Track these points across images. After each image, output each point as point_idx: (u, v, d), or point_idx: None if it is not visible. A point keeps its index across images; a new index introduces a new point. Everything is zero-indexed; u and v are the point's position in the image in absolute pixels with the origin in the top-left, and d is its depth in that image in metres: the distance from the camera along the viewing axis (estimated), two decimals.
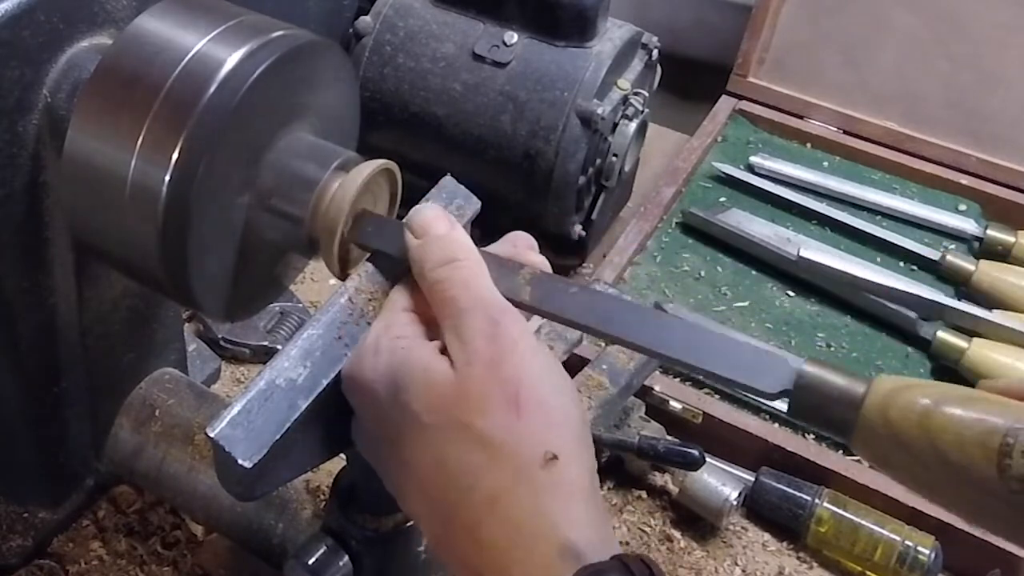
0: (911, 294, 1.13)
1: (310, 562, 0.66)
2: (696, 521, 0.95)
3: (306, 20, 1.14)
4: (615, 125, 1.15)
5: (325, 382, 0.54)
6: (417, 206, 0.59)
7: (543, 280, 0.55)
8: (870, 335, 1.15)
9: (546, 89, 1.10)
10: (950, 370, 1.10)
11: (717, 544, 0.95)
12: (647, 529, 0.95)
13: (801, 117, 1.41)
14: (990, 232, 1.25)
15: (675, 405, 0.98)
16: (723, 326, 1.13)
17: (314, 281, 1.15)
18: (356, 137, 0.69)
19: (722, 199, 1.31)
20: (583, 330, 0.57)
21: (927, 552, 0.89)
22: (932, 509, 0.92)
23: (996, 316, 1.12)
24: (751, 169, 1.34)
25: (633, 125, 1.15)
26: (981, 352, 1.08)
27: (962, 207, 1.32)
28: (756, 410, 1.04)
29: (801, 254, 1.15)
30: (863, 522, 0.92)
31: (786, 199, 1.29)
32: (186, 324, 0.96)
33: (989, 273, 1.19)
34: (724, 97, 1.44)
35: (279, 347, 1.02)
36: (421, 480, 0.50)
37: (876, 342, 1.14)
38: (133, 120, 0.57)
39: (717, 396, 1.04)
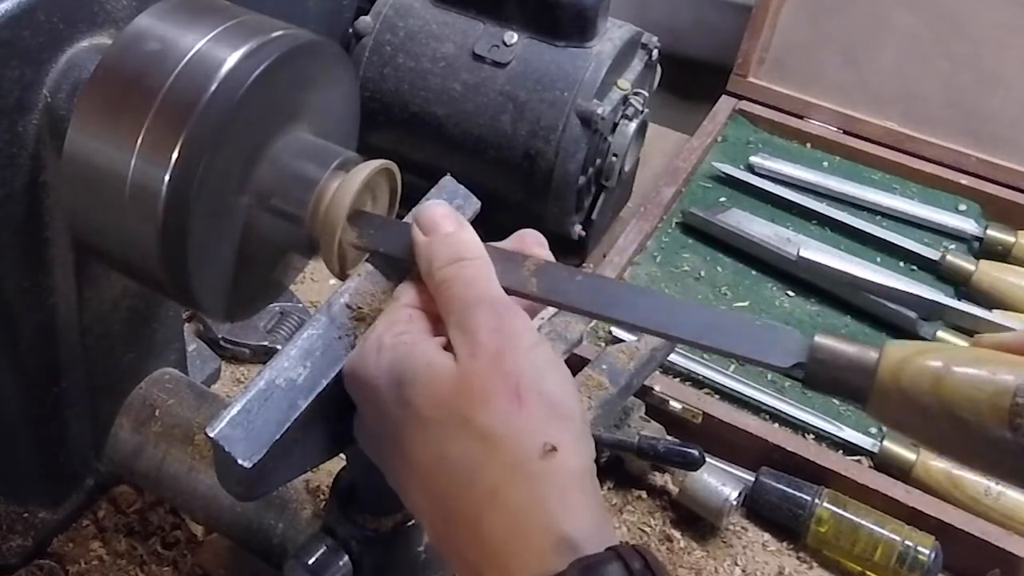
0: (911, 294, 1.13)
1: (310, 562, 0.66)
2: (696, 521, 0.95)
3: (306, 20, 1.14)
4: (615, 125, 1.15)
5: (325, 382, 0.54)
6: (424, 203, 0.59)
7: (549, 270, 0.56)
8: (870, 335, 1.15)
9: (546, 89, 1.10)
10: None
11: (717, 544, 0.95)
12: (647, 529, 0.95)
13: (801, 117, 1.41)
14: (990, 232, 1.25)
15: (675, 405, 0.98)
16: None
17: (314, 281, 1.15)
18: (356, 137, 0.69)
19: (722, 199, 1.31)
20: (593, 317, 0.57)
21: (927, 552, 0.89)
22: (932, 509, 0.93)
23: (996, 316, 1.12)
24: (751, 169, 1.34)
25: (633, 125, 1.15)
26: None
27: (962, 207, 1.32)
28: (756, 410, 1.04)
29: (801, 254, 1.15)
30: (863, 522, 0.92)
31: (786, 199, 1.29)
32: (186, 324, 0.96)
33: (989, 273, 1.19)
34: (724, 97, 1.44)
35: (279, 347, 1.02)
36: (422, 475, 0.50)
37: (876, 342, 1.14)
38: (133, 120, 0.57)
39: (717, 396, 1.04)
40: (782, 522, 0.95)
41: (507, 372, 0.49)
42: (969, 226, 1.28)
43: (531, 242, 0.58)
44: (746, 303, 1.18)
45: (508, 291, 0.54)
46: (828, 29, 1.39)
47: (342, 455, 0.61)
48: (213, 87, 0.56)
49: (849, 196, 1.31)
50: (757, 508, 0.96)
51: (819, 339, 0.51)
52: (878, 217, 1.30)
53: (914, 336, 1.14)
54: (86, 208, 0.61)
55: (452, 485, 0.49)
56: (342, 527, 0.66)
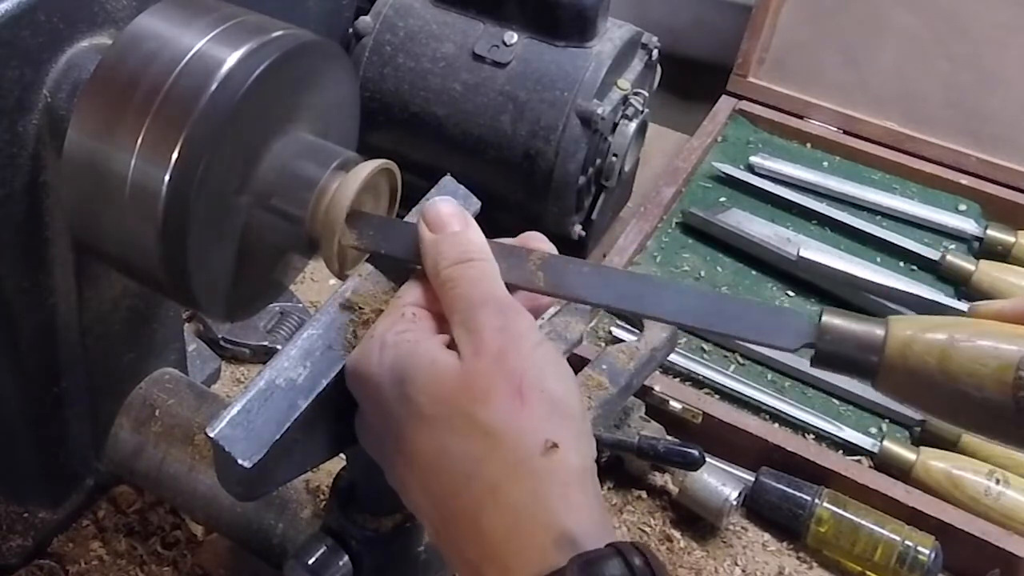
0: (911, 294, 1.13)
1: (310, 562, 0.66)
2: (696, 521, 0.95)
3: (306, 20, 1.14)
4: (615, 125, 1.15)
5: (325, 382, 0.54)
6: (432, 199, 0.59)
7: (554, 263, 0.56)
8: None
9: (546, 89, 1.10)
10: None
11: (717, 544, 0.95)
12: (647, 529, 0.95)
13: (801, 117, 1.41)
14: (990, 232, 1.25)
15: (675, 405, 0.98)
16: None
17: (314, 281, 1.15)
18: (356, 137, 0.69)
19: (722, 199, 1.31)
20: (600, 307, 0.58)
21: (927, 552, 0.89)
22: (932, 509, 0.93)
23: None
24: (751, 169, 1.33)
25: (633, 125, 1.15)
26: None
27: (962, 207, 1.32)
28: (756, 410, 1.04)
29: (801, 254, 1.15)
30: (863, 522, 0.92)
31: (786, 199, 1.29)
32: (186, 324, 0.96)
33: (989, 273, 1.19)
34: (724, 97, 1.44)
35: (279, 347, 1.02)
36: (423, 472, 0.51)
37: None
38: (133, 120, 0.57)
39: (717, 396, 1.04)
40: (782, 522, 0.95)
41: (510, 370, 0.49)
42: (969, 226, 1.28)
43: (536, 245, 0.59)
44: None
45: (515, 286, 0.54)
46: (828, 29, 1.39)
47: (342, 455, 0.61)
48: (213, 87, 0.56)
49: (849, 196, 1.31)
50: (757, 508, 0.96)
51: (826, 319, 0.52)
52: (878, 217, 1.30)
53: None
54: (86, 208, 0.61)
55: (453, 482, 0.49)
56: (342, 527, 0.66)
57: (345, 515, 0.66)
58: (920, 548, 0.89)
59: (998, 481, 0.96)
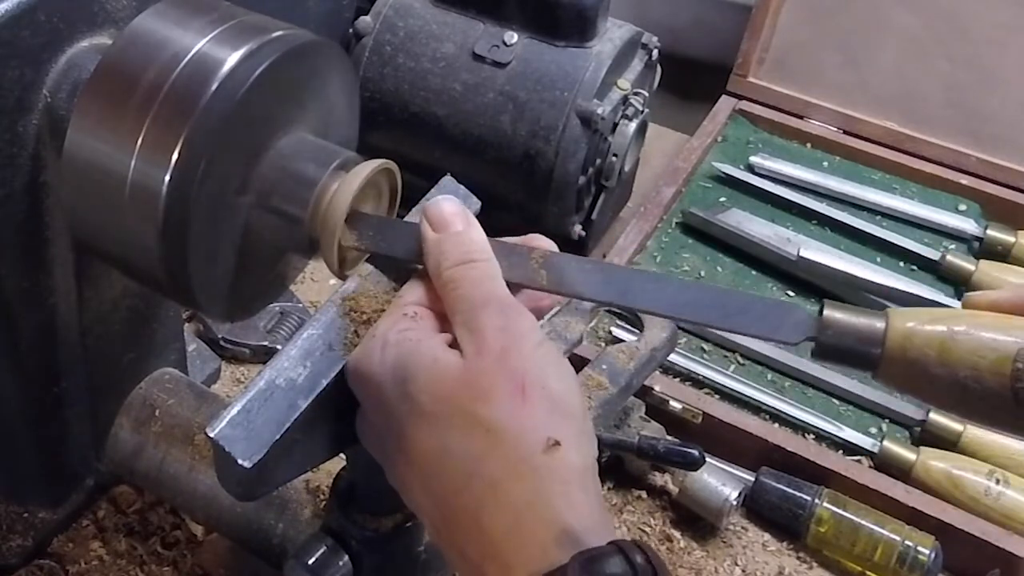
0: (911, 294, 1.13)
1: (310, 562, 0.66)
2: (696, 521, 0.95)
3: (306, 20, 1.14)
4: (615, 125, 1.15)
5: (325, 382, 0.54)
6: (433, 198, 0.59)
7: (556, 261, 0.56)
8: None
9: (546, 89, 1.10)
10: None
11: (717, 544, 0.95)
12: (647, 529, 0.95)
13: (801, 117, 1.41)
14: (990, 232, 1.25)
15: (675, 405, 0.98)
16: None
17: (314, 281, 1.15)
18: (356, 137, 0.69)
19: (722, 199, 1.31)
20: (602, 304, 0.58)
21: (927, 552, 0.89)
22: (932, 509, 0.93)
23: None
24: (751, 169, 1.33)
25: (633, 125, 1.15)
26: None
27: (962, 207, 1.32)
28: (756, 410, 1.04)
29: (801, 254, 1.15)
30: (863, 522, 0.92)
31: (786, 199, 1.29)
32: (186, 324, 0.96)
33: (989, 273, 1.19)
34: (724, 97, 1.44)
35: (279, 347, 1.02)
36: (424, 470, 0.51)
37: None
38: (133, 120, 0.57)
39: (717, 396, 1.04)
40: (782, 522, 0.95)
41: (512, 369, 0.49)
42: (969, 226, 1.28)
43: (539, 245, 0.59)
44: None
45: (518, 285, 0.55)
46: (828, 29, 1.39)
47: (342, 455, 0.61)
48: (213, 87, 0.56)
49: (849, 196, 1.31)
50: (757, 508, 0.96)
51: (828, 313, 0.52)
52: (878, 217, 1.30)
53: None
54: (86, 208, 0.61)
55: (454, 480, 0.49)
56: (342, 527, 0.66)
57: (345, 515, 0.66)
58: (920, 548, 0.89)
59: (998, 481, 0.96)
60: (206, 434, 0.53)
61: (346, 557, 0.66)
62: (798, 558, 0.95)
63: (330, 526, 0.67)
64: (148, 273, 0.61)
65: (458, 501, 0.49)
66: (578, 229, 1.17)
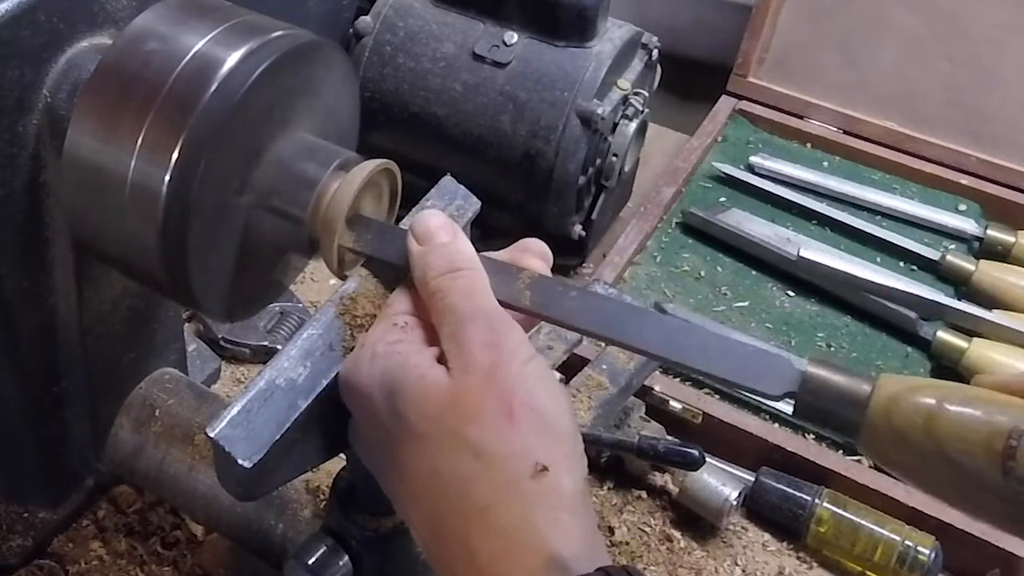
0: (911, 294, 1.13)
1: (310, 562, 0.66)
2: (696, 521, 0.95)
3: (306, 20, 1.14)
4: (615, 125, 1.15)
5: (325, 382, 0.54)
6: (420, 211, 0.58)
7: (543, 284, 0.55)
8: (870, 335, 1.15)
9: (546, 89, 1.10)
10: (950, 370, 1.10)
11: (717, 544, 0.95)
12: (647, 529, 0.95)
13: (801, 117, 1.41)
14: (990, 232, 1.25)
15: (675, 405, 0.98)
16: (723, 326, 1.13)
17: (314, 281, 1.15)
18: (356, 137, 0.69)
19: (722, 199, 1.31)
20: (584, 334, 0.57)
21: (927, 552, 0.89)
22: (932, 509, 0.92)
23: (996, 316, 1.12)
24: (751, 169, 1.34)
25: (633, 125, 1.15)
26: (981, 352, 1.08)
27: (962, 207, 1.32)
28: (756, 410, 1.04)
29: (801, 254, 1.15)
30: (863, 522, 0.92)
31: (786, 199, 1.29)
32: (186, 324, 0.96)
33: (989, 273, 1.19)
34: (724, 97, 1.44)
35: (279, 347, 1.02)
36: (414, 488, 0.50)
37: (876, 342, 1.15)
38: (133, 120, 0.57)
39: (717, 396, 1.04)
40: (782, 522, 0.95)
41: (500, 388, 0.48)
42: (969, 226, 1.28)
43: (536, 250, 0.58)
44: (746, 303, 1.18)
45: (502, 303, 0.54)
46: (828, 29, 1.39)
47: (342, 455, 0.61)
48: (213, 87, 0.56)
49: (849, 196, 1.31)
50: (757, 508, 0.96)
51: (811, 369, 0.50)
52: (878, 217, 1.30)
53: (914, 336, 1.14)
54: (86, 208, 0.61)
55: (443, 500, 0.49)
56: (342, 527, 0.66)
57: (345, 515, 0.66)
58: (920, 548, 0.89)
59: None
60: (206, 434, 0.53)
61: (346, 557, 0.66)
62: (798, 558, 0.95)
63: (330, 526, 0.67)
64: (148, 273, 0.61)
65: (447, 523, 0.49)
66: (578, 229, 1.17)
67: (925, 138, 1.36)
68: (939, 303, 1.12)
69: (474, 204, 0.64)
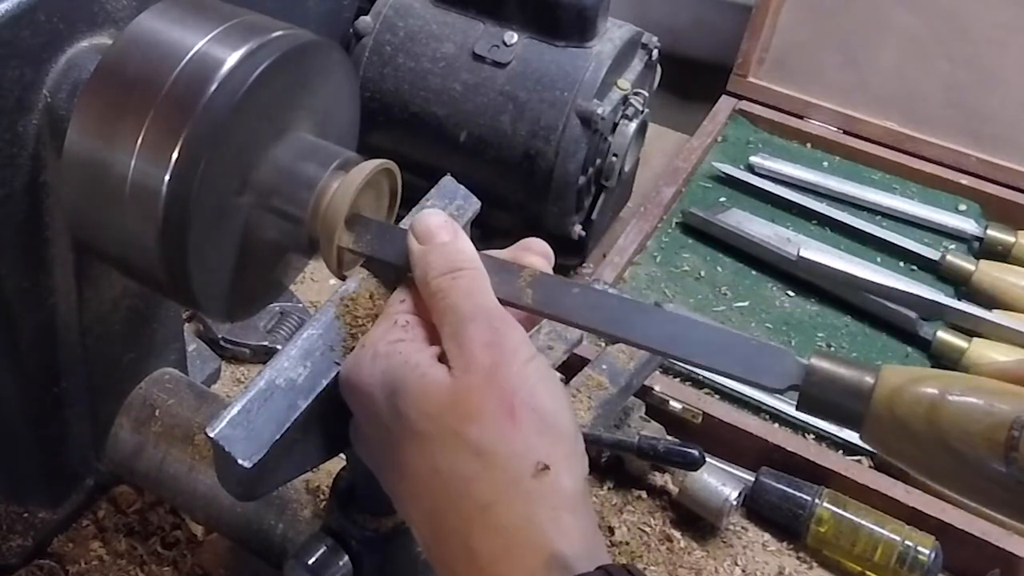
0: (911, 294, 1.13)
1: (310, 562, 0.66)
2: (696, 521, 0.95)
3: (306, 20, 1.14)
4: (615, 125, 1.15)
5: (325, 382, 0.54)
6: (421, 211, 0.58)
7: (544, 281, 0.55)
8: (870, 335, 1.15)
9: (546, 89, 1.10)
10: (950, 370, 1.10)
11: (717, 544, 0.95)
12: (647, 529, 0.95)
13: (801, 117, 1.41)
14: (990, 232, 1.25)
15: (675, 405, 0.98)
16: (723, 327, 1.13)
17: (314, 281, 1.15)
18: (356, 137, 0.69)
19: (722, 199, 1.31)
20: (587, 331, 0.57)
21: (927, 552, 0.89)
22: (932, 509, 0.93)
23: (996, 316, 1.12)
24: (751, 169, 1.34)
25: (633, 125, 1.15)
26: (981, 352, 1.08)
27: (962, 207, 1.32)
28: (756, 410, 1.04)
29: (801, 254, 1.15)
30: (863, 522, 0.92)
31: (786, 199, 1.29)
32: (186, 324, 0.96)
33: (989, 273, 1.19)
34: (724, 97, 1.44)
35: (279, 347, 1.02)
36: (415, 487, 0.50)
37: (876, 342, 1.15)
38: (133, 120, 0.57)
39: (717, 396, 1.04)
40: (782, 522, 0.95)
41: (501, 388, 0.49)
42: (969, 226, 1.28)
43: (537, 249, 0.58)
44: (746, 303, 1.18)
45: (503, 302, 0.54)
46: (828, 29, 1.39)
47: (342, 455, 0.61)
48: (213, 87, 0.56)
49: (849, 196, 1.31)
50: (757, 508, 0.96)
51: (815, 361, 0.50)
52: (878, 217, 1.30)
53: (914, 336, 1.14)
54: (86, 208, 0.61)
55: (444, 499, 0.49)
56: (342, 527, 0.66)
57: (345, 515, 0.66)
58: (920, 548, 0.89)
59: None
60: (206, 434, 0.53)
61: (346, 557, 0.66)
62: (798, 558, 0.95)
63: (330, 526, 0.67)
64: (148, 273, 0.61)
65: (448, 522, 0.49)
66: (578, 229, 1.17)
67: (925, 138, 1.36)
68: (939, 303, 1.12)
69: (474, 204, 0.64)
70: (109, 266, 0.69)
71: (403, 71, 1.15)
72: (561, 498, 0.47)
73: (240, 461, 0.52)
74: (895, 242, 1.24)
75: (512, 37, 1.13)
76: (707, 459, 0.91)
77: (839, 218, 1.27)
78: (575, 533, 0.47)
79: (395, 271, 0.58)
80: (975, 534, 0.91)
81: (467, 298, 0.52)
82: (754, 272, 1.21)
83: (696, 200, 1.30)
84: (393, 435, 0.51)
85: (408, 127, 1.16)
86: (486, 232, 0.71)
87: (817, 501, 0.93)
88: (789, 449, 0.97)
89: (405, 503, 0.52)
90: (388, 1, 1.18)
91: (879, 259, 1.24)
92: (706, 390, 1.05)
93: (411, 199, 0.63)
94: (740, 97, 1.44)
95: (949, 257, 1.21)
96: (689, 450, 0.90)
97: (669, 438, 0.94)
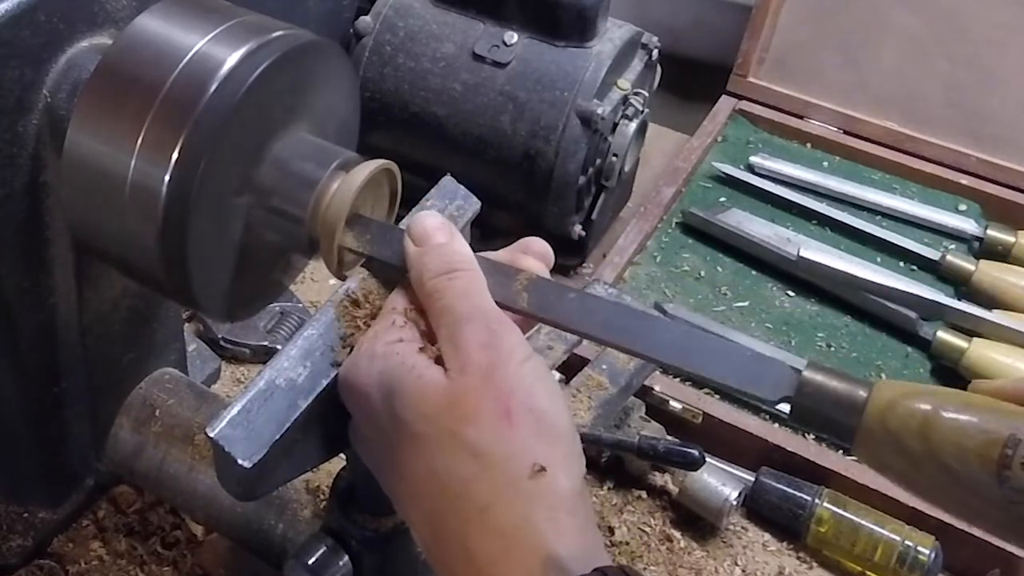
0: (911, 294, 1.13)
1: (310, 562, 0.66)
2: (696, 521, 0.95)
3: (306, 20, 1.14)
4: (615, 125, 1.15)
5: (325, 382, 0.54)
6: (418, 213, 0.58)
7: (541, 286, 0.55)
8: (870, 335, 1.15)
9: (546, 89, 1.10)
10: (950, 370, 1.10)
11: (717, 544, 0.95)
12: (647, 529, 0.95)
13: (801, 117, 1.41)
14: (990, 232, 1.26)
15: (675, 405, 0.98)
16: (723, 327, 1.13)
17: (314, 281, 1.15)
18: (356, 137, 0.69)
19: (722, 199, 1.31)
20: (582, 336, 0.56)
21: (927, 552, 0.89)
22: (932, 509, 0.92)
23: (996, 316, 1.12)
24: (751, 169, 1.34)
25: (633, 125, 1.15)
26: (981, 352, 1.08)
27: (962, 207, 1.32)
28: (756, 410, 1.04)
29: (801, 254, 1.15)
30: (863, 522, 0.92)
31: (786, 199, 1.29)
32: (186, 324, 0.96)
33: (989, 273, 1.19)
34: (724, 97, 1.44)
35: (279, 347, 1.02)
36: (413, 488, 0.50)
37: (876, 342, 1.15)
38: (133, 120, 0.57)
39: (717, 396, 1.04)
40: (782, 522, 0.95)
41: (497, 389, 0.49)
42: (969, 226, 1.28)
43: (536, 249, 0.58)
44: (746, 303, 1.18)
45: (499, 305, 0.53)
46: (828, 29, 1.39)
47: (342, 455, 0.61)
48: (213, 87, 0.56)
49: (849, 196, 1.31)
50: (757, 508, 0.96)
51: (808, 374, 0.50)
52: (878, 217, 1.30)
53: (914, 336, 1.14)
54: (86, 208, 0.61)
55: (442, 501, 0.49)
56: (342, 527, 0.66)
57: (345, 515, 0.66)
58: (920, 548, 0.90)
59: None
60: (206, 434, 0.53)
61: (346, 557, 0.66)
62: (798, 558, 0.95)
63: (330, 526, 0.67)
64: (148, 273, 0.61)
65: (447, 523, 0.49)
66: (578, 229, 1.17)
67: (925, 138, 1.36)
68: (939, 303, 1.12)
69: (474, 204, 0.64)
70: (109, 266, 0.69)
71: (403, 71, 1.15)
72: (558, 499, 0.47)
73: (240, 461, 0.52)
74: (895, 242, 1.24)
75: (512, 37, 1.13)
76: (707, 459, 0.91)
77: (839, 218, 1.27)
78: (572, 534, 0.47)
79: (395, 271, 0.58)
80: (975, 534, 0.91)
81: (463, 299, 0.52)
82: (754, 272, 1.21)
83: (696, 200, 1.30)
84: (391, 436, 0.51)
85: (408, 127, 1.16)
86: (486, 232, 0.71)
87: (817, 501, 0.93)
88: (789, 449, 0.97)
89: (404, 504, 0.52)
90: (388, 1, 1.18)
91: (879, 259, 1.24)
92: (706, 390, 1.05)
93: (411, 199, 0.63)
94: (740, 97, 1.44)
95: (949, 257, 1.21)
96: (689, 450, 0.90)
97: (669, 438, 0.94)
